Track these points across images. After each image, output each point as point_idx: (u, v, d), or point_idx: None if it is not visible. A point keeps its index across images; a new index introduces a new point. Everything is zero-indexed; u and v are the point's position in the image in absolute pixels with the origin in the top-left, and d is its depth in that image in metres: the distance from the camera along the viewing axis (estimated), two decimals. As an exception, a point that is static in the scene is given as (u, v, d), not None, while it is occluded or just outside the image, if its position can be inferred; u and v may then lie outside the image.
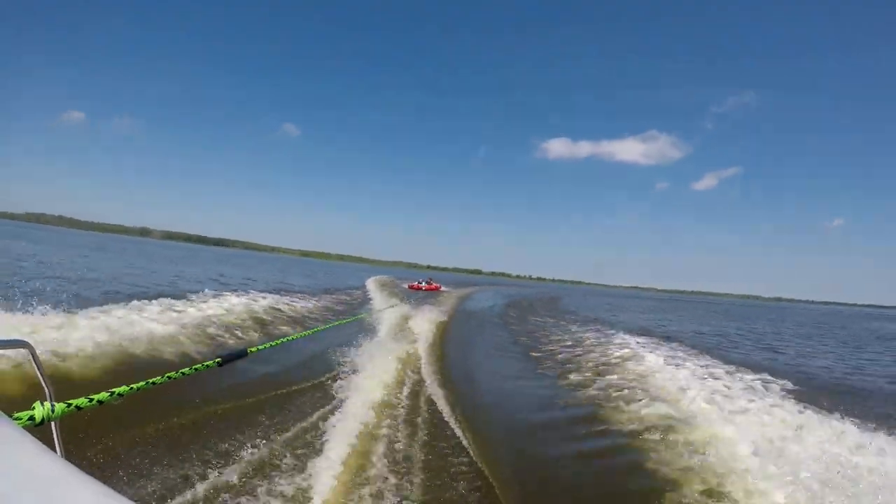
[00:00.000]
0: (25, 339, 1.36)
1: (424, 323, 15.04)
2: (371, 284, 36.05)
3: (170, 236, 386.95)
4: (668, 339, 16.93)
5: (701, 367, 10.83)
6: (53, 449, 1.15)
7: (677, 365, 10.79)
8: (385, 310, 17.76)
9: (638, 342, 14.39)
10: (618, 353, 12.48)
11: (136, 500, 0.74)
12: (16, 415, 1.28)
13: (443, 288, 42.74)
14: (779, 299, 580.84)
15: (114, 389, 1.77)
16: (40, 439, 0.85)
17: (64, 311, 8.73)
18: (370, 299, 26.19)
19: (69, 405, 1.50)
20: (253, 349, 3.27)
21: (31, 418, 1.34)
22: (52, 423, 1.38)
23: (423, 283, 42.21)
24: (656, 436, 6.64)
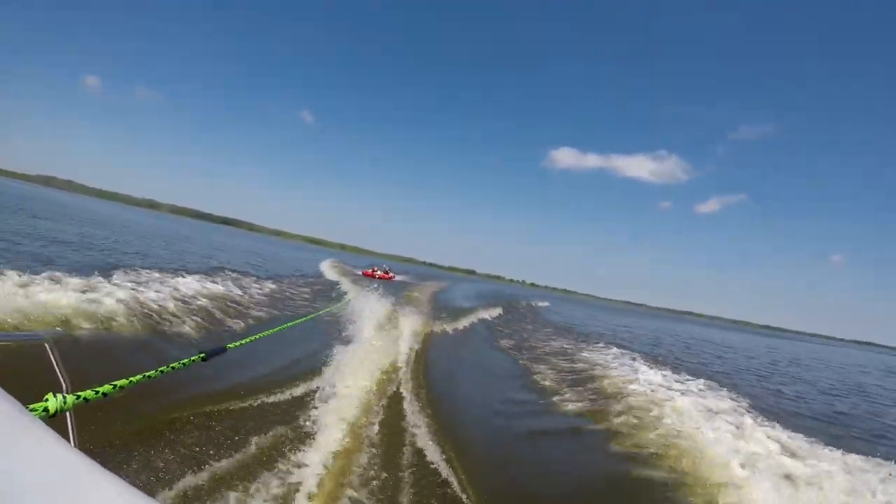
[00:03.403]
0: (43, 334, 1.53)
1: (392, 310, 15.01)
2: (328, 269, 36.88)
3: (177, 211, 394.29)
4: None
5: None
6: (68, 439, 1.19)
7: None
8: (351, 300, 18.54)
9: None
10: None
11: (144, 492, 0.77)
12: (31, 406, 1.33)
13: (397, 278, 43.06)
14: (768, 328, 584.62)
15: (115, 382, 1.89)
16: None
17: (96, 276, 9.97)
18: (334, 284, 27.00)
19: (78, 397, 1.57)
20: (231, 345, 3.38)
21: (46, 410, 1.42)
22: (68, 415, 1.47)
23: (378, 271, 40.98)
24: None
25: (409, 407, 7.65)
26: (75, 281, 9.14)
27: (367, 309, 15.48)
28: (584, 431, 8.07)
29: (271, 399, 7.03)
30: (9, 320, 6.53)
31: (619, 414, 8.52)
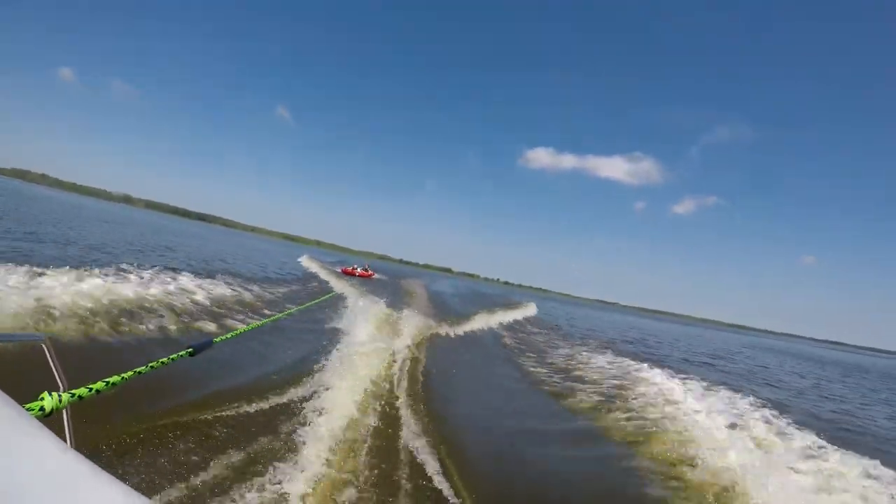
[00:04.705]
0: (41, 334, 1.53)
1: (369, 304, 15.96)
2: (307, 265, 39.21)
3: (152, 206, 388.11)
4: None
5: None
6: (64, 438, 1.20)
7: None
8: (335, 295, 19.47)
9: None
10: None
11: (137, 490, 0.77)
12: (27, 405, 1.33)
13: (375, 276, 43.82)
14: (740, 326, 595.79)
15: (108, 379, 1.88)
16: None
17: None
18: (316, 280, 28.31)
19: (73, 395, 1.56)
20: (217, 339, 3.33)
21: (42, 409, 1.41)
22: (65, 414, 1.49)
23: (358, 269, 41.74)
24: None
25: (406, 418, 7.34)
26: (64, 278, 9.34)
27: (353, 306, 16.15)
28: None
29: (258, 406, 6.74)
30: (5, 320, 6.60)
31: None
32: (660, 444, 7.76)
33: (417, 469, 5.77)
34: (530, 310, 34.00)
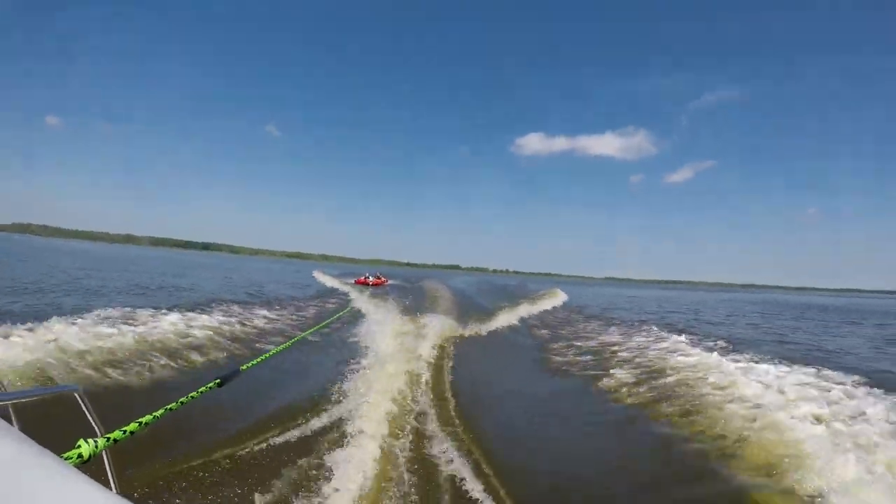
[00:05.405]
0: (74, 385, 1.61)
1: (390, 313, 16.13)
2: (320, 280, 40.60)
3: (156, 242, 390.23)
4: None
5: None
6: (107, 484, 1.22)
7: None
8: (354, 308, 19.45)
9: None
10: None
11: None
12: (65, 455, 1.35)
13: (389, 282, 44.79)
14: (751, 286, 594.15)
15: (140, 420, 1.92)
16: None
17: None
18: (332, 294, 28.59)
19: (108, 439, 1.58)
20: (244, 367, 3.31)
21: (80, 455, 1.43)
22: (106, 460, 1.51)
23: (371, 278, 42.39)
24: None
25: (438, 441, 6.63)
26: (87, 324, 9.50)
27: (374, 316, 16.26)
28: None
29: (289, 434, 6.43)
30: (30, 374, 6.70)
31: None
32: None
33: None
34: (560, 298, 33.55)
